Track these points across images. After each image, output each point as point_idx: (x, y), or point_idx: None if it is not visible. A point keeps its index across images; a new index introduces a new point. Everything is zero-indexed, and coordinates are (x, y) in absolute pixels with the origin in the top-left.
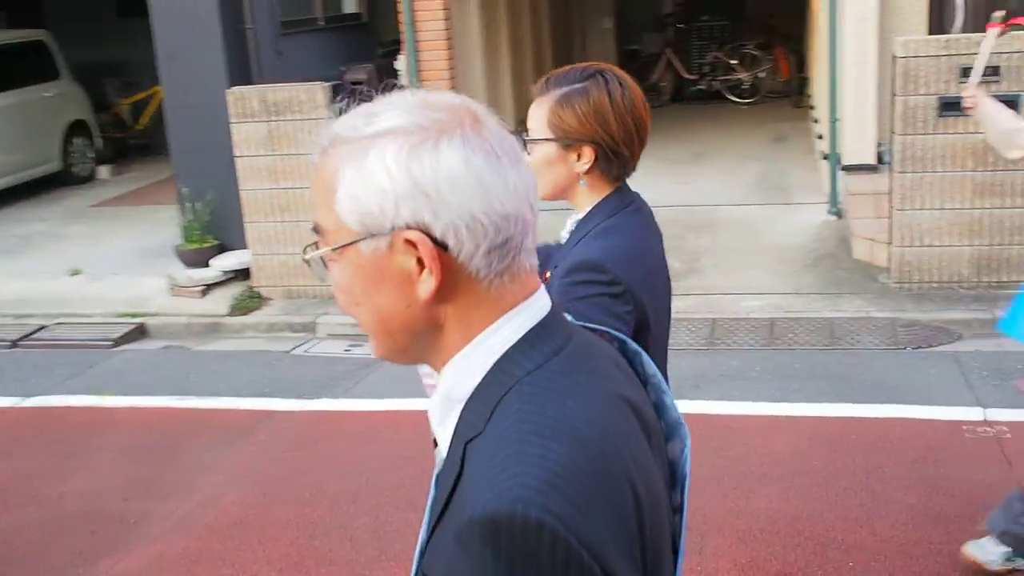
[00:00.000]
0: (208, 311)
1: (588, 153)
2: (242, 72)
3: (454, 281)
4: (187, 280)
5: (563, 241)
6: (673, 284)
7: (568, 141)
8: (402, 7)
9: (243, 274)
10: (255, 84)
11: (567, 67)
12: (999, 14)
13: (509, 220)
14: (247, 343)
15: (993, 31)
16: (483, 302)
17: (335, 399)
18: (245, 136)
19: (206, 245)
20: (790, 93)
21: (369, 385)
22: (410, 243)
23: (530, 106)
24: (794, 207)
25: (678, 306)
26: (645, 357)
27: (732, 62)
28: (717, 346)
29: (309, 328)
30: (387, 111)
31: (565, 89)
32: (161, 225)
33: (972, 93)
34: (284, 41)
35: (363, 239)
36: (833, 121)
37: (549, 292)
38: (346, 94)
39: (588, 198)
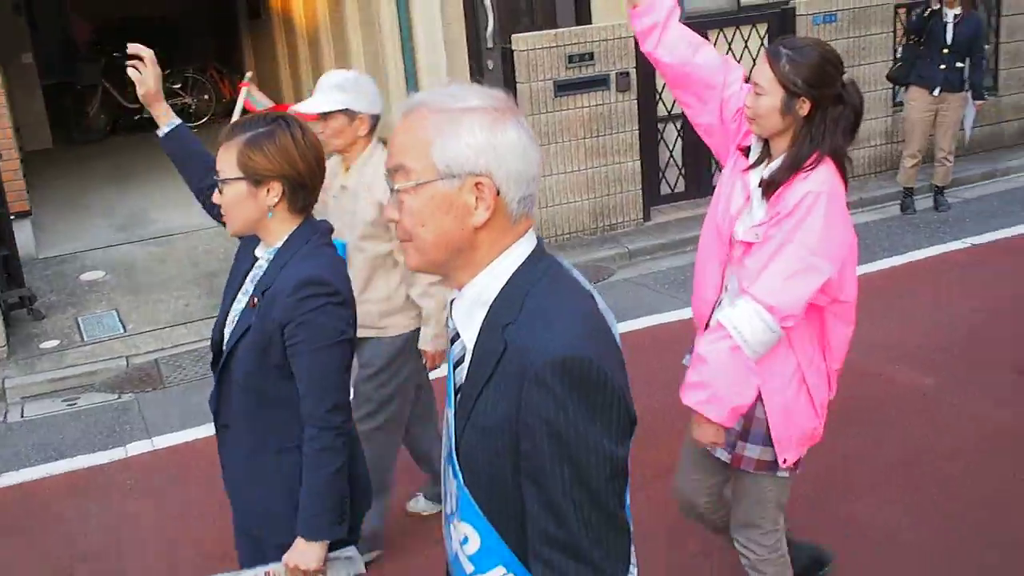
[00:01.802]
0: None
1: (277, 188)
2: None
3: (495, 216)
4: None
5: (261, 268)
6: None
7: (258, 178)
8: None
9: None
10: None
11: (250, 116)
12: (249, 74)
13: (535, 181)
14: None
15: (244, 89)
16: (507, 233)
17: (148, 439)
18: None
19: None
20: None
21: (158, 422)
22: (479, 185)
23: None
24: None
25: None
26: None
27: (175, 87)
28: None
29: None
30: (468, 93)
31: (251, 133)
32: None
33: None
34: None
35: (444, 178)
36: None
37: (255, 316)
38: None
39: (279, 230)
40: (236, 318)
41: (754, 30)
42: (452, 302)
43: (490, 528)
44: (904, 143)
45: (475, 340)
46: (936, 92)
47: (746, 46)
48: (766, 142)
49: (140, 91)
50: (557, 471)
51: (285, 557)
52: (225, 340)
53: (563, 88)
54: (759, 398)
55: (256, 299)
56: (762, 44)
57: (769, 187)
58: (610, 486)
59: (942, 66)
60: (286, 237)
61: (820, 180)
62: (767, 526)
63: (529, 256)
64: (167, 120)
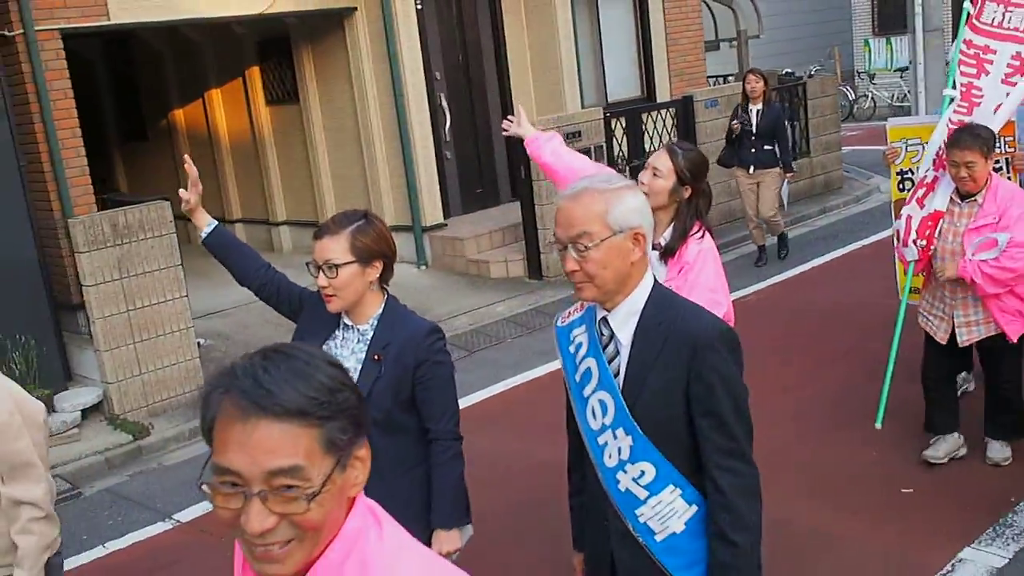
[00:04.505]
0: (112, 443)
1: (379, 265)
2: None
3: (642, 255)
4: (60, 425)
5: (364, 333)
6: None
7: (367, 257)
8: None
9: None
10: None
11: (340, 213)
12: None
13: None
14: (185, 452)
15: None
16: (644, 266)
17: None
18: (99, 264)
19: (40, 393)
20: None
21: None
22: (638, 235)
23: (321, 242)
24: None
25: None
26: None
27: None
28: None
29: None
30: (612, 178)
31: (355, 224)
32: None
33: None
34: None
35: (618, 233)
36: (412, 197)
37: (384, 367)
38: None
39: (375, 300)
40: (353, 374)
41: (668, 112)
42: (604, 317)
43: (664, 460)
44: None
45: (632, 337)
46: (752, 170)
47: (664, 125)
48: None
49: (184, 207)
50: (726, 403)
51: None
52: None
53: None
54: None
55: (378, 354)
56: (674, 123)
57: (667, 252)
58: (747, 406)
59: (752, 149)
60: (382, 305)
61: (706, 242)
62: None
63: (655, 279)
64: (206, 222)
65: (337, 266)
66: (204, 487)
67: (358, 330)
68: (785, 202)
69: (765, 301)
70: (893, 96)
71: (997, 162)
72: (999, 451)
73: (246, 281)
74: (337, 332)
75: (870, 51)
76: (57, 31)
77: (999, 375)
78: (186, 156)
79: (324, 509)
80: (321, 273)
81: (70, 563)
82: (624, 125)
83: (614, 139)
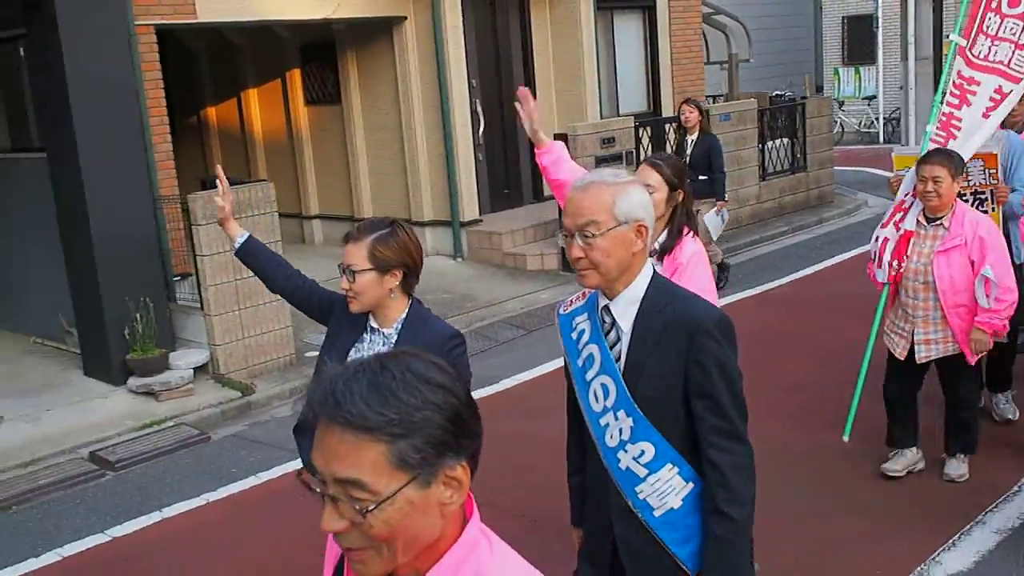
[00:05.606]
0: (223, 398)
1: (399, 274)
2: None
3: (643, 245)
4: (179, 380)
5: (389, 336)
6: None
7: (386, 267)
8: None
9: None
10: None
11: (368, 219)
12: None
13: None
14: (290, 408)
15: None
16: (644, 257)
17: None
18: (214, 236)
19: (157, 352)
20: None
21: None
22: (641, 227)
23: (347, 247)
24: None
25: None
26: None
27: None
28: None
29: None
30: (620, 173)
31: (378, 233)
32: None
33: None
34: None
35: (623, 224)
36: (452, 195)
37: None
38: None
39: (397, 306)
40: None
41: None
42: (606, 305)
43: (663, 439)
44: None
45: (632, 324)
46: None
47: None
48: None
49: (218, 214)
50: (721, 386)
51: None
52: None
53: (601, 160)
54: None
55: None
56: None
57: (664, 250)
58: (741, 389)
59: (688, 180)
60: (407, 310)
61: (698, 244)
62: None
63: (654, 270)
64: (238, 233)
65: (355, 272)
66: (303, 476)
67: (383, 333)
68: (714, 234)
69: (786, 295)
70: (860, 123)
71: (983, 193)
72: (956, 468)
73: (276, 288)
74: (365, 335)
75: (839, 79)
76: (152, 26)
77: (957, 395)
78: (218, 166)
79: (390, 524)
80: (344, 276)
81: (233, 488)
82: (650, 134)
83: (640, 146)
